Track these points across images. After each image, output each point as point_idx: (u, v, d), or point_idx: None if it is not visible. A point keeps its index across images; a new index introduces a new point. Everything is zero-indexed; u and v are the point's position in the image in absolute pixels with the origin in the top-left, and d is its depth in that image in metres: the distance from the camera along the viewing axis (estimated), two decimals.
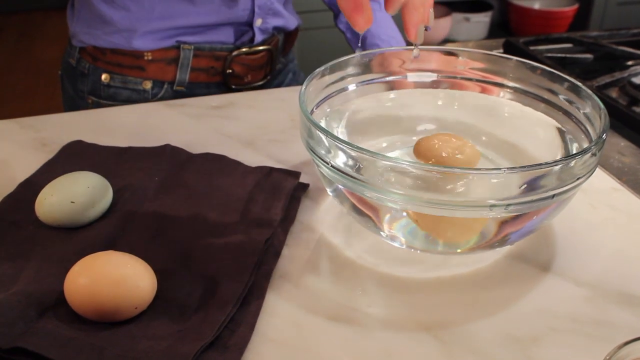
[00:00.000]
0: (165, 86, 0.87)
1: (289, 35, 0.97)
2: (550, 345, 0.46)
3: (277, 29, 0.92)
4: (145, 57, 0.85)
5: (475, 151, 0.57)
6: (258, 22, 0.88)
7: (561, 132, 0.59)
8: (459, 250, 0.53)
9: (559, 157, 0.58)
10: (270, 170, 0.63)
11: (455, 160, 0.56)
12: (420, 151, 0.57)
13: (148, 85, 0.87)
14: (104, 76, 0.87)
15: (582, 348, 0.46)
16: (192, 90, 0.89)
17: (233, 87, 0.90)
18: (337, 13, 0.99)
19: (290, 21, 0.93)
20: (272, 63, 0.93)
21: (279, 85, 0.99)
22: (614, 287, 0.51)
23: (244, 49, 0.88)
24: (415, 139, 0.65)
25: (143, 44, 0.84)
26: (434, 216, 0.49)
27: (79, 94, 0.90)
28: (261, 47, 0.90)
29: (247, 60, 0.89)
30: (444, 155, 0.56)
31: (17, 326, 0.43)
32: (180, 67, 0.86)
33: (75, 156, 0.65)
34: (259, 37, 0.89)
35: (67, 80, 0.93)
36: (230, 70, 0.88)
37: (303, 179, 0.63)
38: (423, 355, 0.45)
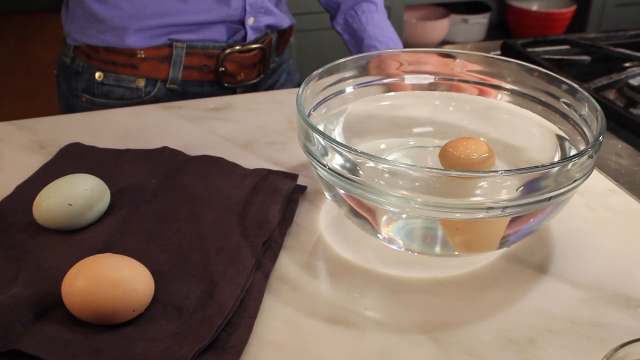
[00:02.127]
0: (159, 84, 0.88)
1: (283, 34, 0.97)
2: (547, 347, 0.46)
3: (270, 27, 0.92)
4: (138, 55, 0.85)
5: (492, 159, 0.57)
6: (250, 21, 0.88)
7: (558, 135, 0.59)
8: (456, 253, 0.53)
9: (556, 159, 0.58)
10: (268, 172, 0.63)
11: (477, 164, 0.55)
12: (449, 150, 0.57)
13: (141, 83, 0.87)
14: (97, 74, 0.87)
15: (579, 350, 0.46)
16: (185, 88, 0.89)
17: (226, 85, 0.90)
18: (333, 14, 1.00)
19: (282, 20, 0.94)
20: (265, 61, 0.94)
21: (273, 85, 0.99)
22: (611, 288, 0.51)
23: (236, 47, 0.88)
24: (412, 142, 0.65)
25: (136, 41, 0.84)
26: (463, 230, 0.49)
27: (74, 92, 0.90)
28: (254, 46, 0.90)
29: (240, 58, 0.89)
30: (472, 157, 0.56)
31: (15, 328, 0.43)
32: (173, 65, 0.86)
33: (73, 158, 0.65)
34: (251, 36, 0.89)
35: (62, 79, 0.93)
36: (223, 69, 0.89)
37: (301, 181, 0.63)
38: (420, 357, 0.45)
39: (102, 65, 0.87)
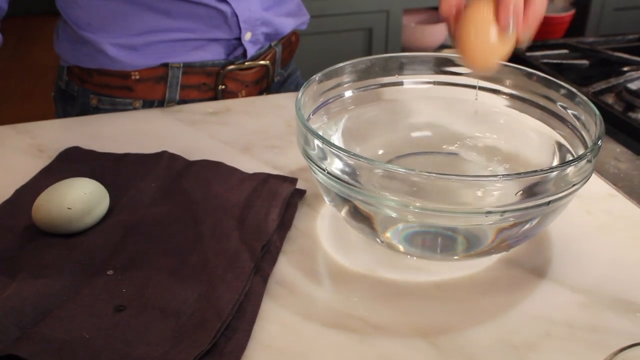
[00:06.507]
0: (156, 105, 0.84)
1: (289, 45, 0.93)
2: (546, 351, 0.46)
3: (269, 37, 0.88)
4: (133, 77, 0.82)
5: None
6: (247, 37, 0.84)
7: (557, 139, 0.59)
8: (455, 257, 0.53)
9: (554, 163, 0.58)
10: (267, 176, 0.63)
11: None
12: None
13: (138, 105, 0.84)
14: (92, 99, 0.84)
15: (578, 354, 0.46)
16: None
17: None
18: None
19: (283, 25, 0.89)
20: (269, 77, 0.90)
21: None
22: (610, 293, 0.51)
23: (237, 64, 0.85)
24: (411, 146, 0.65)
25: (126, 57, 0.81)
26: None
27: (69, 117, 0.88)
28: (257, 62, 0.86)
29: (241, 75, 0.86)
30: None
31: (11, 332, 0.43)
32: (170, 86, 0.83)
33: (72, 162, 0.65)
34: (251, 50, 0.85)
35: (58, 103, 0.91)
36: (223, 86, 0.85)
37: (300, 185, 0.63)
38: None
39: (97, 89, 0.84)
